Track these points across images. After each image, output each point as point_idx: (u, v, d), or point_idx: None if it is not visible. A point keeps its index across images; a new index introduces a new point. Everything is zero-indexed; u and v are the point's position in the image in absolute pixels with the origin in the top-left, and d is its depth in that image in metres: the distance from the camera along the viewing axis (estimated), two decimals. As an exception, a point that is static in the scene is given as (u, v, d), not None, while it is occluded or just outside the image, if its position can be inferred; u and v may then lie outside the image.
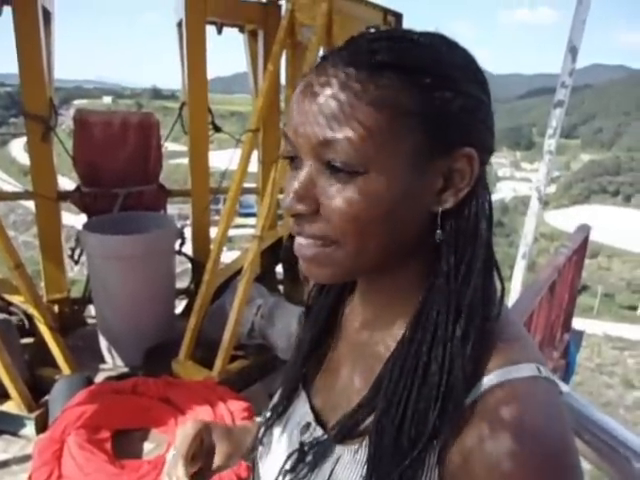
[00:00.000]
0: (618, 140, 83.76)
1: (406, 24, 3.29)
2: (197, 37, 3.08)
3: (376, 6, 2.87)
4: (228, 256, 3.96)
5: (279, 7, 3.26)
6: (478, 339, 0.44)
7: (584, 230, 3.04)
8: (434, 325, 0.45)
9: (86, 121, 3.04)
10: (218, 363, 2.43)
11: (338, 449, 0.50)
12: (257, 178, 3.68)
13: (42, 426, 2.22)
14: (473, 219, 0.46)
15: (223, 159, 2.99)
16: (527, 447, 0.39)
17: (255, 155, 3.16)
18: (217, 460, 0.66)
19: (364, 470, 0.46)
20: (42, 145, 2.89)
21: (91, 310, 3.27)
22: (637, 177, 59.51)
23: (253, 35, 3.51)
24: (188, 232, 3.31)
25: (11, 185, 3.43)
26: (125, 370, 2.78)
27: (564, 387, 0.96)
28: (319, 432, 0.54)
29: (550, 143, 2.51)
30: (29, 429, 2.26)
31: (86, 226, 2.84)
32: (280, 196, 2.84)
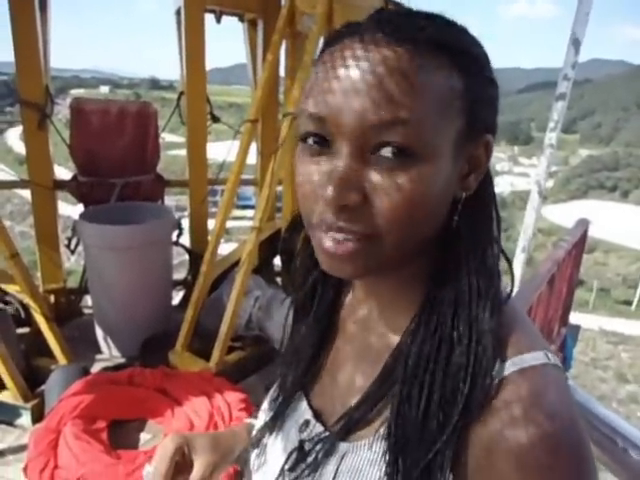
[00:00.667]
0: (617, 135, 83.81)
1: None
2: (196, 25, 3.04)
3: (377, -5, 2.83)
4: (226, 248, 3.94)
5: (279, -5, 3.22)
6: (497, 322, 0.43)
7: (583, 224, 3.04)
8: (453, 308, 0.44)
9: (83, 109, 3.01)
10: (215, 354, 2.43)
11: (342, 446, 0.48)
12: (255, 169, 3.66)
13: (38, 416, 2.21)
14: (488, 203, 0.47)
15: (221, 150, 2.97)
16: (552, 432, 0.39)
17: (254, 146, 3.14)
18: (197, 473, 0.61)
19: (383, 462, 0.44)
20: (38, 133, 2.86)
21: (88, 300, 3.26)
22: (635, 173, 59.61)
23: (252, 24, 3.47)
24: (186, 223, 3.29)
25: (7, 174, 3.40)
26: (122, 361, 2.77)
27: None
28: (319, 429, 0.52)
29: (551, 136, 2.50)
30: (25, 419, 2.26)
31: (83, 216, 2.82)
32: (279, 188, 2.83)
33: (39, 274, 3.11)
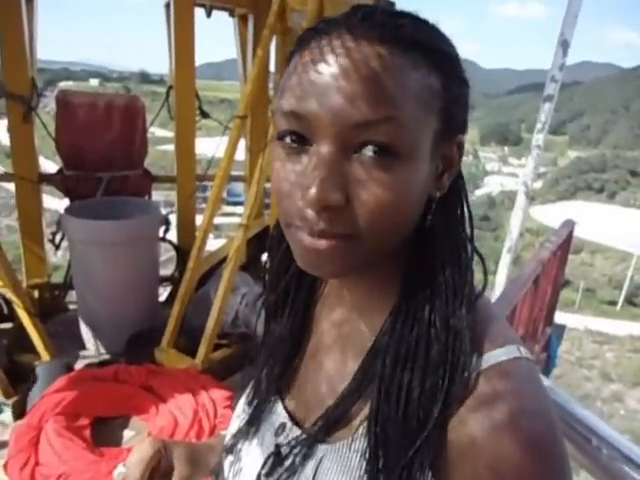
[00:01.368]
0: (605, 138, 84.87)
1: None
2: (185, 19, 3.02)
3: (368, -7, 2.83)
4: (215, 244, 3.92)
5: (270, -9, 3.20)
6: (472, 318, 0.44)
7: (569, 225, 3.07)
8: (429, 306, 0.44)
9: (69, 102, 2.97)
10: (201, 351, 2.41)
11: (321, 448, 0.48)
12: (245, 166, 3.64)
13: (20, 413, 2.18)
14: (460, 202, 0.48)
15: (212, 146, 2.95)
16: (527, 427, 0.39)
17: (243, 142, 3.13)
18: None
19: (363, 462, 0.44)
20: (23, 126, 2.82)
21: (72, 296, 3.22)
22: (622, 175, 60.41)
23: (243, 19, 3.45)
24: (174, 219, 3.26)
25: (-9, 167, 3.34)
26: (106, 357, 2.74)
27: (545, 381, 0.97)
28: (296, 432, 0.51)
29: (538, 138, 2.52)
30: (6, 415, 2.22)
31: (68, 210, 2.78)
32: (267, 185, 2.82)
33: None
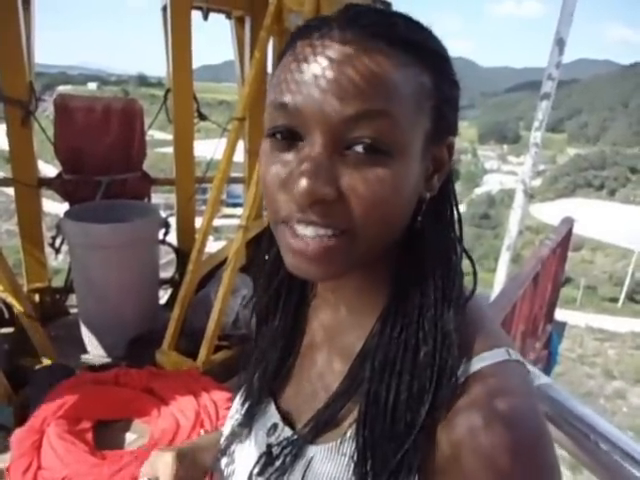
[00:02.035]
0: (603, 135, 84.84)
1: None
2: (182, 22, 3.03)
3: (365, -6, 2.83)
4: (215, 246, 3.92)
5: (267, -7, 3.20)
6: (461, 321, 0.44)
7: (568, 223, 3.07)
8: (418, 308, 0.44)
9: (67, 106, 2.97)
10: (202, 353, 2.41)
11: (311, 449, 0.48)
12: (244, 167, 3.65)
13: (21, 417, 2.18)
14: (450, 204, 0.48)
15: (211, 148, 2.96)
16: (515, 430, 0.39)
17: (242, 144, 3.13)
18: None
19: (352, 464, 0.44)
20: (22, 130, 2.82)
21: (73, 299, 3.23)
22: (622, 171, 60.39)
23: (240, 21, 3.45)
24: (174, 222, 3.27)
25: (-10, 172, 3.35)
26: (107, 360, 2.74)
27: (545, 379, 0.97)
28: (288, 432, 0.52)
29: (536, 136, 2.52)
30: (7, 419, 2.23)
31: (67, 214, 2.79)
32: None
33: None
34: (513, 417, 0.40)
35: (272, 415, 0.55)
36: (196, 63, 3.24)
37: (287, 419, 0.53)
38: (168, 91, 3.20)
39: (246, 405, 0.58)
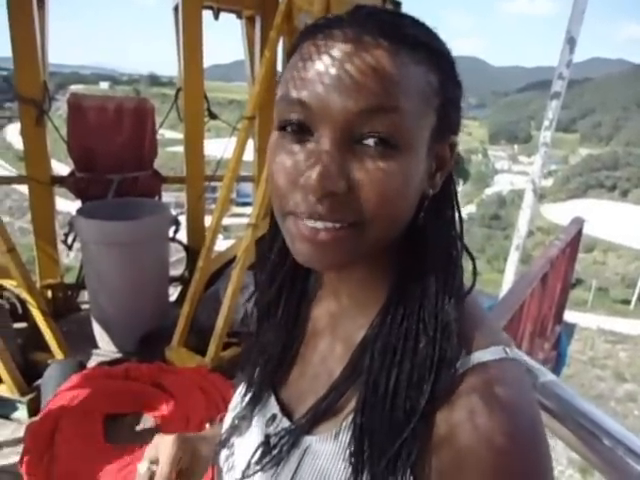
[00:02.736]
0: (616, 135, 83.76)
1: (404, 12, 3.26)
2: (193, 22, 3.05)
3: (375, -7, 2.83)
4: (224, 245, 3.95)
5: (277, -8, 3.22)
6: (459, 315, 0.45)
7: (578, 223, 3.04)
8: (419, 300, 0.45)
9: (80, 105, 3.02)
10: (211, 350, 2.44)
11: (307, 439, 0.49)
12: (253, 166, 3.67)
13: (34, 410, 2.23)
14: (451, 201, 0.49)
15: (221, 147, 2.98)
16: (509, 423, 0.40)
17: (251, 143, 3.15)
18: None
19: (348, 453, 0.44)
20: (36, 129, 2.87)
21: (85, 296, 3.27)
22: (634, 172, 59.61)
23: (250, 21, 3.47)
24: (184, 220, 3.30)
25: (5, 170, 3.41)
26: (118, 356, 2.78)
27: (551, 376, 0.97)
28: (286, 423, 0.53)
29: (546, 135, 2.51)
30: (21, 413, 2.27)
31: (80, 211, 2.83)
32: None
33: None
34: (511, 404, 0.41)
35: (272, 406, 0.55)
36: (206, 62, 3.26)
37: (287, 410, 0.54)
38: (179, 90, 3.23)
39: (247, 398, 0.59)
